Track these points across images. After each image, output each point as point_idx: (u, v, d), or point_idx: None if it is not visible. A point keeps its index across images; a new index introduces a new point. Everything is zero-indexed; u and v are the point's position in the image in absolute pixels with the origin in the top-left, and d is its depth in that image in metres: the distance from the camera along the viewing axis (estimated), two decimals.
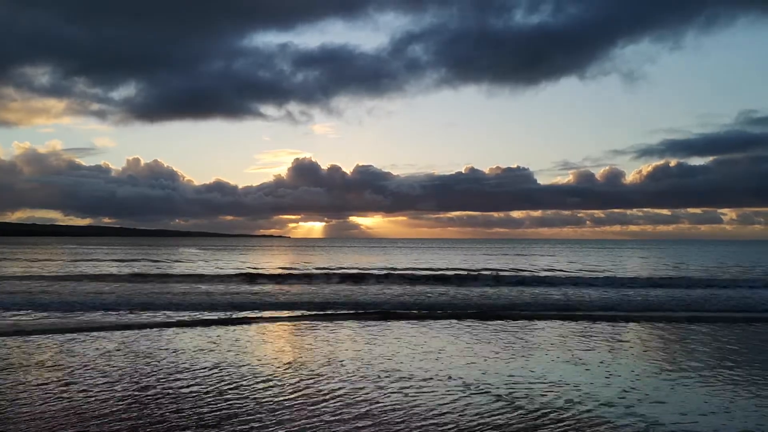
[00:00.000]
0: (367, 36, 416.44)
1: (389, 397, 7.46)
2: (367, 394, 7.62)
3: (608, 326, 13.60)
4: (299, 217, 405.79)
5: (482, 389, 7.89)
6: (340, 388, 7.88)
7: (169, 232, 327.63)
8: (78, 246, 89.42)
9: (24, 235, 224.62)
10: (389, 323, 13.79)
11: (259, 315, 15.33)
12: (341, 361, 9.48)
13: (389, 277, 26.14)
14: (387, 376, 8.47)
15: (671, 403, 7.31)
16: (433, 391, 7.77)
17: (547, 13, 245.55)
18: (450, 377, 8.49)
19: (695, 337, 12.26)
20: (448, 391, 7.81)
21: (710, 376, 8.66)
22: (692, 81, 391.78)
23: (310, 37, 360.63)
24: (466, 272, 29.57)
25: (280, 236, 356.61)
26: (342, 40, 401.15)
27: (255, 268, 33.44)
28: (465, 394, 7.65)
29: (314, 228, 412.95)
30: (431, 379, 8.42)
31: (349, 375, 8.57)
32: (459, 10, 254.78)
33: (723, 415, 6.93)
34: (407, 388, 7.89)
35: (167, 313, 15.60)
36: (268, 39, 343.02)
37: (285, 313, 15.68)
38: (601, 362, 9.63)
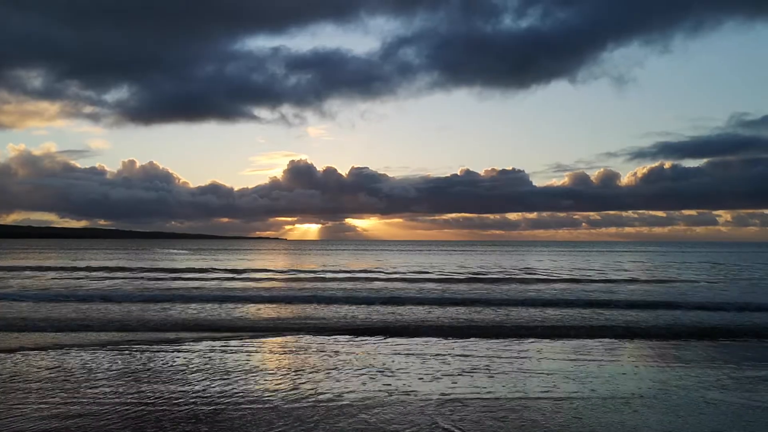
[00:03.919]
0: (358, 39, 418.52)
1: None
2: None
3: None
4: (295, 219, 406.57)
5: None
6: None
7: (165, 234, 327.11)
8: (63, 250, 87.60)
9: (20, 238, 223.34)
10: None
11: None
12: None
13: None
14: None
15: None
16: None
17: (535, 18, 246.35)
18: None
19: None
20: None
21: None
22: (682, 84, 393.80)
23: (301, 41, 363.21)
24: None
25: (276, 238, 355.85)
26: (333, 43, 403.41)
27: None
28: None
29: (310, 230, 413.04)
30: None
31: None
32: (447, 15, 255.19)
33: None
34: None
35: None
36: (260, 43, 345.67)
37: None
38: None
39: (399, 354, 10.76)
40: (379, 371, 9.36)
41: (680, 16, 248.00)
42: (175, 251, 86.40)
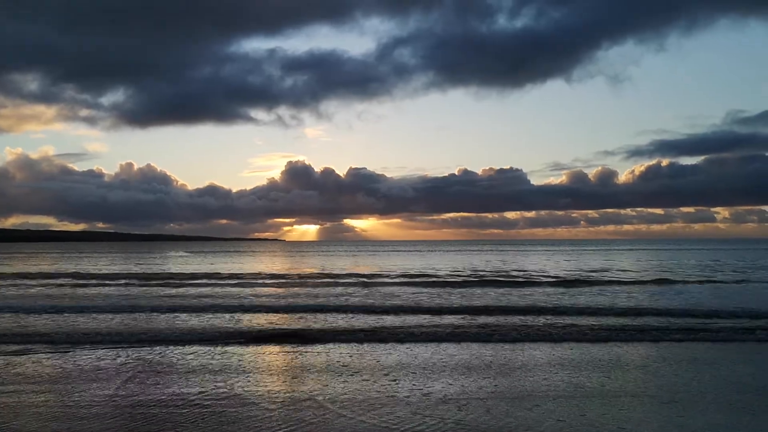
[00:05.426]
0: (354, 40, 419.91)
1: None
2: None
3: None
4: (293, 220, 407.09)
5: None
6: None
7: (163, 237, 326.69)
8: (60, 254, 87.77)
9: (18, 241, 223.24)
10: None
11: None
12: None
13: None
14: None
15: None
16: None
17: (529, 17, 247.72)
18: None
19: None
20: None
21: None
22: (678, 82, 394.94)
23: (297, 42, 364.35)
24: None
25: (275, 239, 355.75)
26: (329, 44, 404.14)
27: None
28: None
29: (308, 231, 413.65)
30: None
31: None
32: (442, 15, 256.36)
33: None
34: None
35: None
36: (255, 44, 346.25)
37: None
38: None
39: (378, 357, 11.06)
40: (371, 378, 9.64)
41: (674, 14, 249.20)
42: (173, 254, 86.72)
